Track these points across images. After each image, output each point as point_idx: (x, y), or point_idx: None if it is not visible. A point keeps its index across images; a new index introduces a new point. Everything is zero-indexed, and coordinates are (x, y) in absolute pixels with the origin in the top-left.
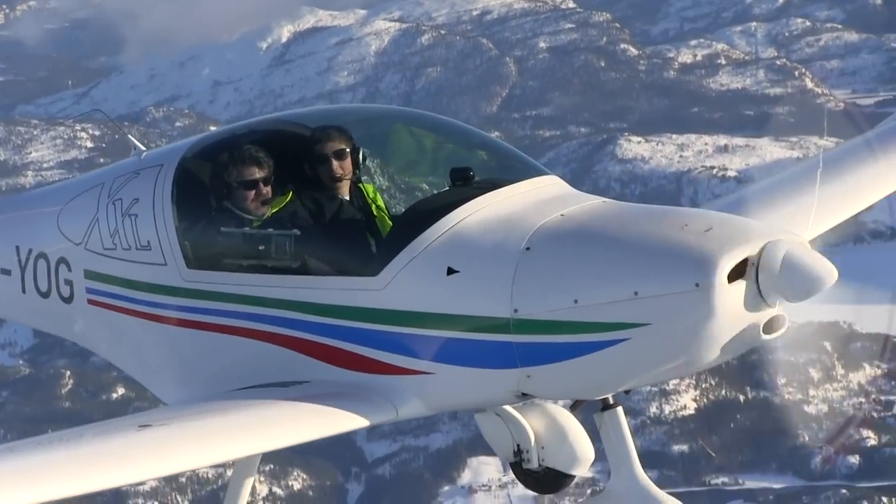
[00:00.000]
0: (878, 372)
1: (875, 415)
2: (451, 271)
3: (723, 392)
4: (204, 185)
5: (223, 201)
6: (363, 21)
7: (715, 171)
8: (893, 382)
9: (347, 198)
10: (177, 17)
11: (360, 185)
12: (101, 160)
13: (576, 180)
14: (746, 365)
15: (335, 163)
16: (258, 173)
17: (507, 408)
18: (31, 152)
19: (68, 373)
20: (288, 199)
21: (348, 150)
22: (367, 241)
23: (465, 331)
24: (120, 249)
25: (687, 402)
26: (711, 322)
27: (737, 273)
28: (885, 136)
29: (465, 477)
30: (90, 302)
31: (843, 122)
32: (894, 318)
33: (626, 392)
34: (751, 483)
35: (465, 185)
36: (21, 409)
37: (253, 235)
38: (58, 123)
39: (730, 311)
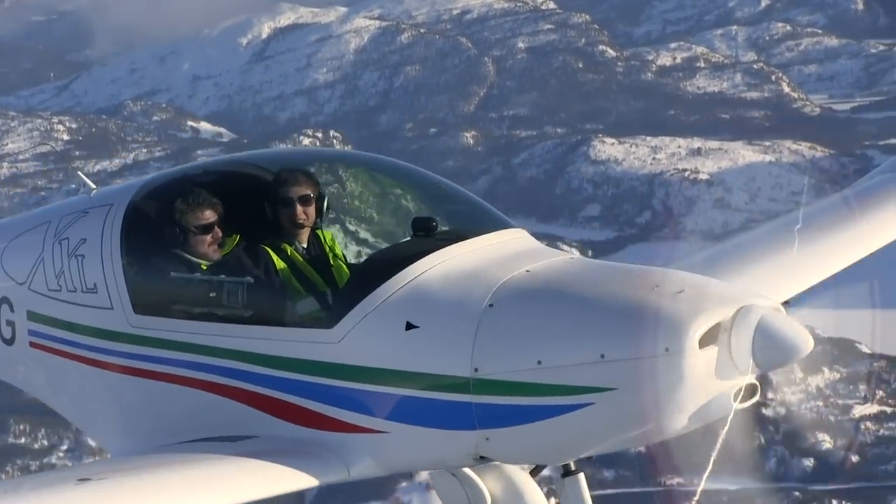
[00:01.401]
0: (837, 376)
1: (831, 418)
2: (409, 326)
3: None
4: (155, 228)
5: (176, 246)
6: (343, 18)
7: (687, 173)
8: (851, 386)
9: (305, 245)
10: (158, 12)
11: (318, 231)
12: (77, 152)
13: (549, 181)
14: None
15: (299, 208)
16: (212, 217)
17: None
18: (6, 144)
19: None
20: (235, 243)
21: (314, 195)
22: (322, 291)
23: (422, 389)
24: (65, 291)
25: None
26: (681, 389)
27: (708, 338)
28: (863, 194)
29: (423, 473)
30: (32, 345)
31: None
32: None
33: (589, 458)
34: (706, 484)
35: (428, 237)
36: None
37: (204, 282)
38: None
39: (700, 377)
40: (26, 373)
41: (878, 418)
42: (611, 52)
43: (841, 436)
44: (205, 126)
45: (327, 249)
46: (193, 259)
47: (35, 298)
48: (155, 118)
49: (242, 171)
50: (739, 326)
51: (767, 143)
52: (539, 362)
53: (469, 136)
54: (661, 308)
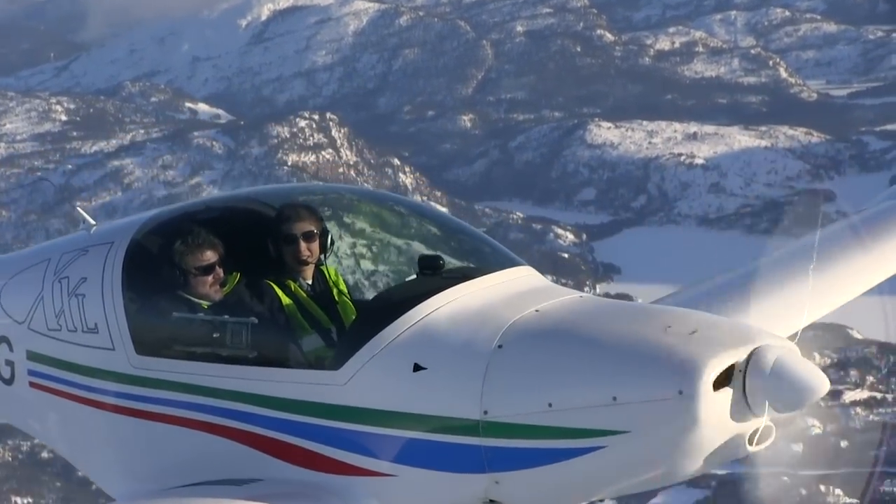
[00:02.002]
0: (828, 361)
1: (821, 403)
2: (417, 368)
3: None
4: (156, 267)
5: (177, 288)
6: (342, 1)
7: (682, 158)
8: (842, 372)
9: (310, 282)
10: None
11: (322, 267)
12: (75, 133)
13: (545, 165)
14: None
15: (303, 244)
16: (213, 257)
17: None
18: (4, 124)
19: None
20: (235, 281)
21: (317, 231)
22: (328, 331)
23: (430, 432)
24: (65, 331)
25: None
26: (695, 432)
27: (723, 380)
28: (871, 221)
29: None
30: (32, 385)
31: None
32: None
33: (600, 501)
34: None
35: (435, 275)
36: None
37: (207, 322)
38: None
39: (715, 420)
40: (26, 413)
41: (868, 404)
42: (609, 37)
43: (831, 421)
44: (203, 107)
45: (331, 285)
46: (195, 299)
47: (35, 338)
48: (153, 99)
49: (245, 208)
50: (754, 368)
51: (763, 129)
52: (550, 404)
53: (467, 120)
54: (674, 349)
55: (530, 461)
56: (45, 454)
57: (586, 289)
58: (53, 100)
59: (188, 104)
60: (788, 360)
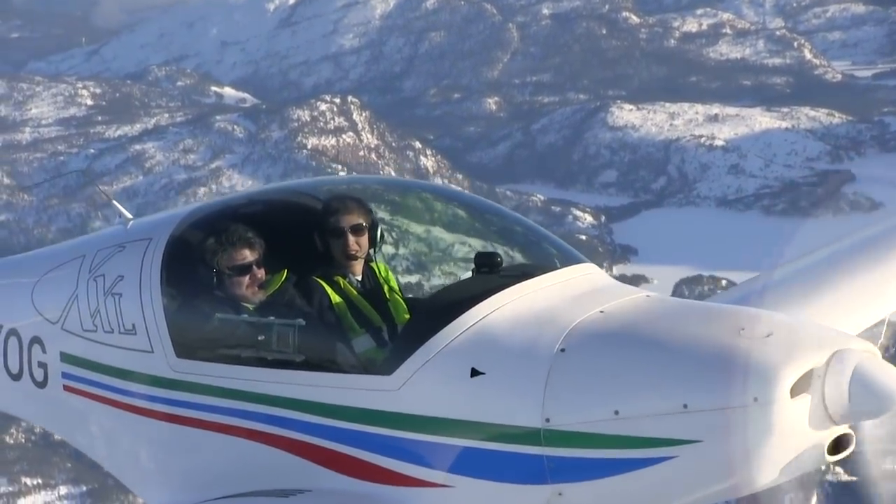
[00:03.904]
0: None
1: None
2: (475, 373)
3: None
4: (197, 265)
5: (214, 289)
6: None
7: (703, 139)
8: None
9: (359, 278)
10: None
11: (372, 263)
12: (100, 117)
13: (567, 147)
14: None
15: (351, 238)
16: (250, 256)
17: None
18: (31, 109)
19: None
20: (283, 278)
21: (367, 225)
22: (379, 331)
23: (489, 440)
24: (101, 332)
25: None
26: (771, 441)
27: (801, 386)
28: None
29: None
30: (66, 388)
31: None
32: None
33: None
34: None
35: (492, 274)
36: None
37: (251, 324)
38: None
39: (792, 429)
40: (60, 417)
41: None
42: (634, 19)
43: None
44: (229, 91)
45: (382, 281)
46: (256, 299)
47: (69, 339)
48: (179, 84)
49: (290, 201)
50: (834, 373)
51: (785, 110)
52: (616, 412)
53: (492, 102)
54: (748, 354)
55: (595, 472)
56: (57, 436)
57: (603, 270)
58: (80, 84)
59: (214, 88)
60: (869, 364)
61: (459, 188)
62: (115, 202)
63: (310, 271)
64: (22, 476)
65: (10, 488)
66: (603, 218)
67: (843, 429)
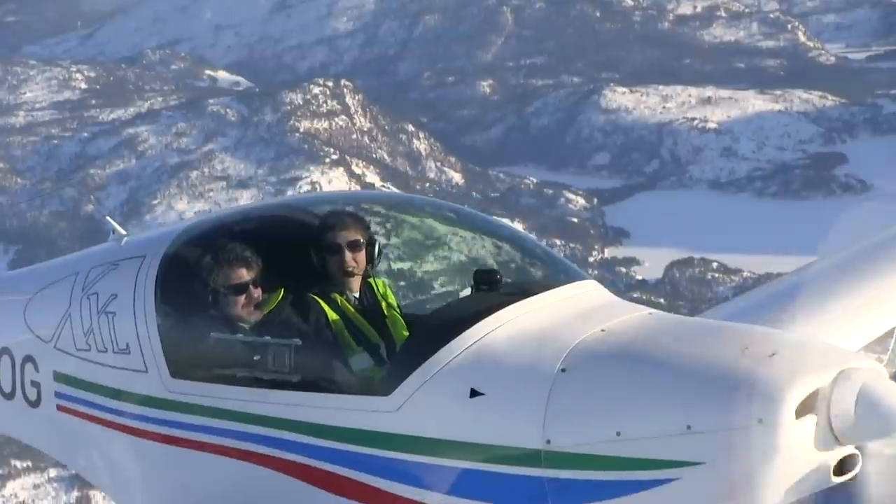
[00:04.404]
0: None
1: None
2: (474, 393)
3: None
4: (192, 283)
5: (209, 308)
6: None
7: (696, 122)
8: None
9: (357, 295)
10: None
11: (370, 279)
12: (93, 101)
13: (560, 130)
14: (694, 313)
15: (348, 254)
16: (247, 275)
17: None
18: (25, 93)
19: None
20: (280, 297)
21: (364, 241)
22: (377, 350)
23: (489, 462)
24: (95, 351)
25: None
26: (776, 462)
27: (806, 407)
28: None
29: None
30: (60, 408)
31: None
32: None
33: None
34: None
35: (492, 291)
36: None
37: (247, 343)
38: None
39: (797, 450)
40: (53, 437)
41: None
42: (628, 2)
43: None
44: (223, 75)
45: (380, 299)
46: (252, 319)
47: (62, 358)
48: (173, 67)
49: (286, 217)
50: (840, 393)
51: (778, 92)
52: (618, 433)
53: (486, 86)
54: (753, 373)
55: (597, 494)
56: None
57: (595, 252)
58: (74, 68)
59: (208, 72)
60: (876, 384)
61: (459, 205)
62: (108, 218)
63: (306, 288)
64: (11, 459)
65: (0, 471)
66: (595, 200)
67: (848, 449)
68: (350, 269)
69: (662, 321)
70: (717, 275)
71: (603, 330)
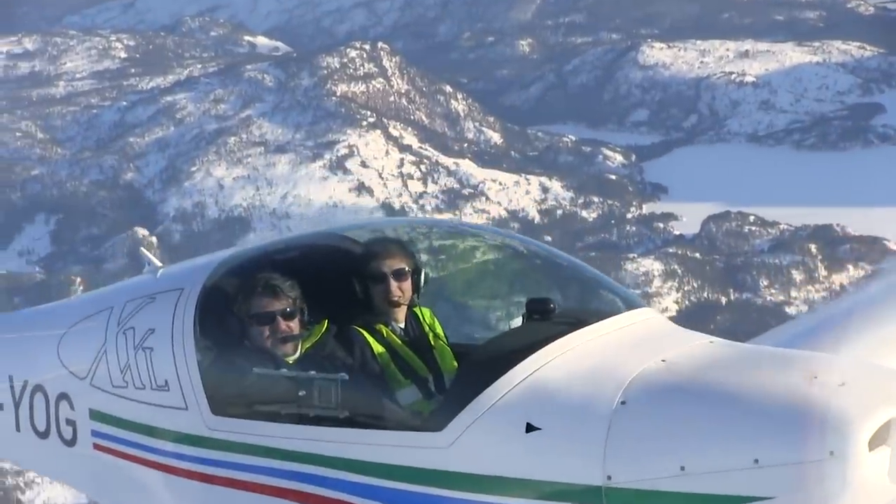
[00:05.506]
0: (862, 273)
1: None
2: (530, 428)
3: (705, 294)
4: (231, 316)
5: (243, 341)
6: None
7: (733, 76)
8: None
9: (402, 325)
10: None
11: (416, 309)
12: (133, 70)
13: (598, 88)
14: (730, 267)
15: (393, 283)
16: (275, 305)
17: None
18: (65, 63)
19: (78, 279)
20: (323, 329)
21: (409, 269)
22: (426, 383)
23: (547, 499)
24: (132, 388)
25: (669, 304)
26: (848, 497)
27: (879, 438)
28: None
29: None
30: (96, 447)
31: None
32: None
33: None
34: None
35: (545, 321)
36: None
37: (291, 379)
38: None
39: (871, 484)
40: (90, 477)
41: None
42: None
43: None
44: (261, 41)
45: (427, 329)
46: (278, 352)
47: (98, 395)
48: (213, 34)
49: (328, 245)
50: None
51: (816, 44)
52: (682, 468)
53: (525, 45)
54: (823, 404)
55: None
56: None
57: (633, 209)
58: (114, 37)
59: (247, 38)
60: None
61: (508, 231)
62: (143, 250)
63: (350, 320)
64: None
65: None
66: (633, 157)
67: None
68: (395, 298)
69: (725, 350)
70: (754, 228)
71: (664, 360)
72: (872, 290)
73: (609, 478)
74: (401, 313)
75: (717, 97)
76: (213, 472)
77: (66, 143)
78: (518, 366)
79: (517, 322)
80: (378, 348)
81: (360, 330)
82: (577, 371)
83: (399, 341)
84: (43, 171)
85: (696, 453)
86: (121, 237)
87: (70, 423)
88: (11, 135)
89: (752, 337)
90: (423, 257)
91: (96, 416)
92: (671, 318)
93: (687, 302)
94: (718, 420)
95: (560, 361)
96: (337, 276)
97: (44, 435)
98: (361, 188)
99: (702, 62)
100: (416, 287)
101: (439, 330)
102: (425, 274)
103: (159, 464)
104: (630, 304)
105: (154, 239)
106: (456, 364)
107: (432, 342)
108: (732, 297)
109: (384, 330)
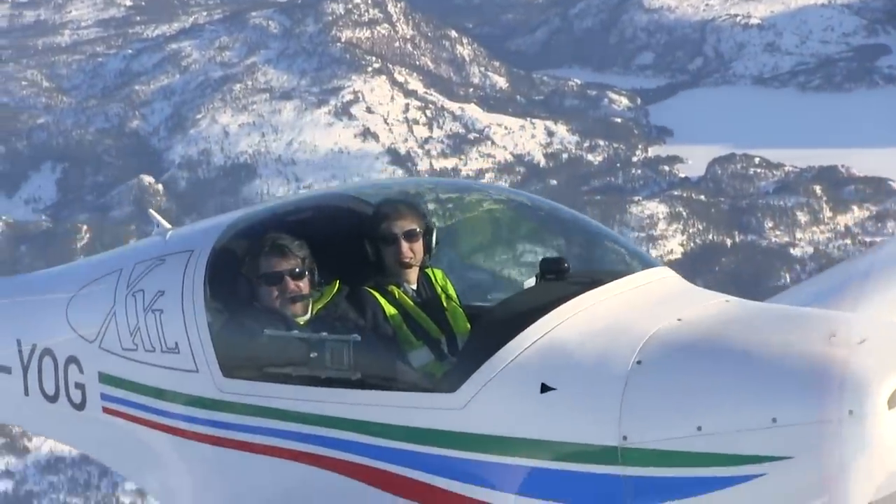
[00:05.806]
0: (867, 214)
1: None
2: (545, 389)
3: (710, 236)
4: (241, 277)
5: (253, 302)
6: None
7: (738, 18)
8: (880, 224)
9: (415, 287)
10: None
11: (427, 269)
12: (138, 18)
13: (604, 31)
14: (735, 209)
15: (405, 245)
16: (283, 265)
17: None
18: (70, 11)
19: (85, 227)
20: (335, 290)
21: (420, 230)
22: (439, 344)
23: (562, 460)
24: (142, 351)
25: (674, 246)
26: (868, 456)
27: None
28: None
29: None
30: (106, 410)
31: None
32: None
33: None
34: None
35: (559, 281)
36: (36, 263)
37: (303, 340)
38: None
39: (890, 442)
40: (99, 441)
41: None
42: None
43: None
44: None
45: (439, 290)
46: (289, 313)
47: (107, 359)
48: None
49: (339, 206)
50: None
51: None
52: (699, 428)
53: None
54: (842, 363)
55: (678, 492)
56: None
57: (638, 152)
58: None
59: None
60: None
61: (517, 190)
62: (151, 212)
63: (361, 281)
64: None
65: None
66: (639, 100)
67: None
68: (407, 259)
69: (742, 308)
70: (759, 170)
71: (680, 319)
72: (891, 248)
73: (625, 438)
74: (412, 274)
75: (723, 39)
76: (223, 434)
77: (72, 92)
78: (532, 326)
79: (531, 282)
80: (390, 310)
81: (372, 291)
82: (592, 331)
83: (411, 303)
84: (49, 119)
85: (713, 413)
86: (127, 185)
87: (79, 386)
88: (17, 83)
89: (756, 278)
90: (435, 218)
91: (105, 379)
92: (676, 261)
93: (692, 244)
94: (735, 379)
95: (575, 321)
96: (348, 238)
97: (53, 399)
98: (367, 134)
99: (707, 4)
100: (427, 248)
101: (452, 291)
102: (436, 234)
103: (169, 427)
104: (645, 264)
105: (160, 186)
106: (469, 325)
107: (445, 304)
108: (738, 239)
109: (396, 291)
